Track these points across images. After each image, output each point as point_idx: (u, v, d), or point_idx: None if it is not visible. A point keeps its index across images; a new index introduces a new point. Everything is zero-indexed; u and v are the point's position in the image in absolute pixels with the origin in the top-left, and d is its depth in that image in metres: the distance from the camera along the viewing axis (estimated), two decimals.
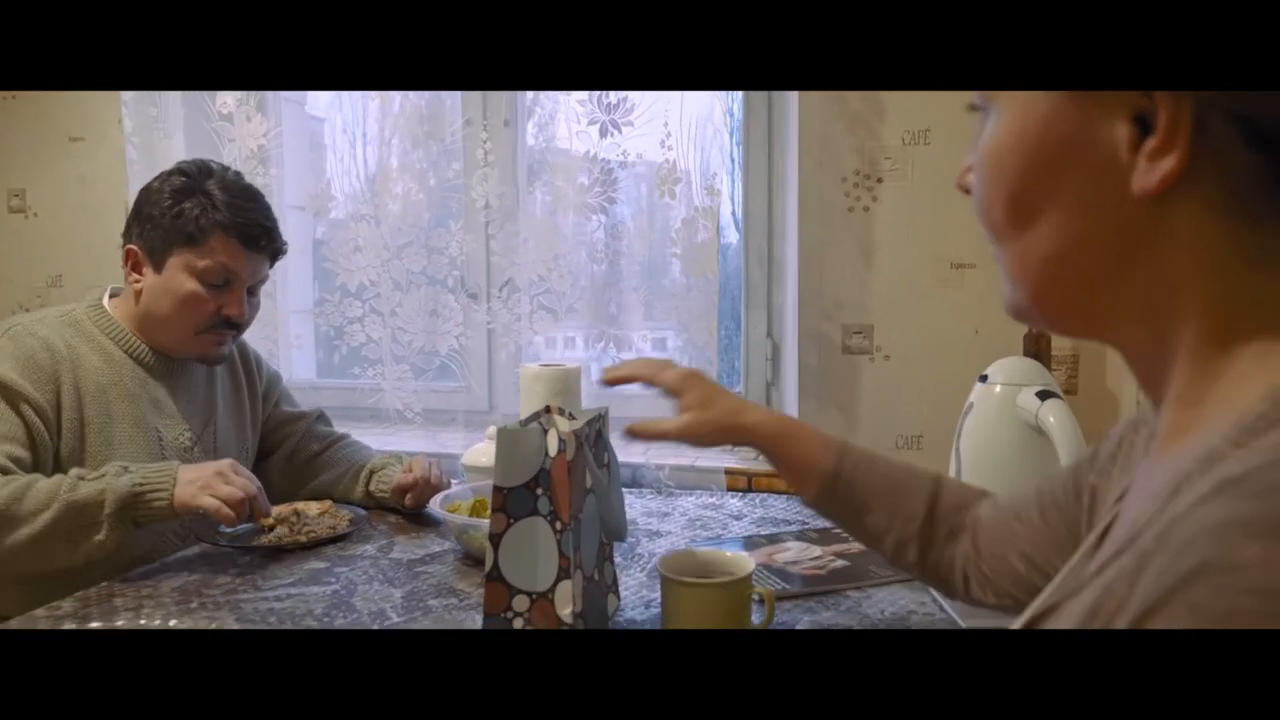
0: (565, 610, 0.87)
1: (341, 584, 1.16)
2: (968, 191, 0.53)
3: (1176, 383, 0.45)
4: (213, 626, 1.02)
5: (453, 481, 1.59)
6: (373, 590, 1.14)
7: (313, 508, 1.44)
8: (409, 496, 1.45)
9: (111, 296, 1.41)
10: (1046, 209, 0.47)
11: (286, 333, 2.00)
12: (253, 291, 1.41)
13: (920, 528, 0.84)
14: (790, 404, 1.77)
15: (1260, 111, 0.40)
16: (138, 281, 1.36)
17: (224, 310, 1.36)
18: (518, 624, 0.88)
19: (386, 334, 1.85)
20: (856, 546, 1.27)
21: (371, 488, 1.51)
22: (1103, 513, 0.59)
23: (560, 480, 0.87)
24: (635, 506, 1.53)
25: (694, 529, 1.40)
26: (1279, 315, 0.42)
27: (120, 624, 1.03)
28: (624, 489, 1.68)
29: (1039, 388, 1.11)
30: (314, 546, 1.31)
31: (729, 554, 1.00)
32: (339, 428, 2.08)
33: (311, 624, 1.03)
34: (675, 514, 1.50)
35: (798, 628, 1.00)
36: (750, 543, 1.31)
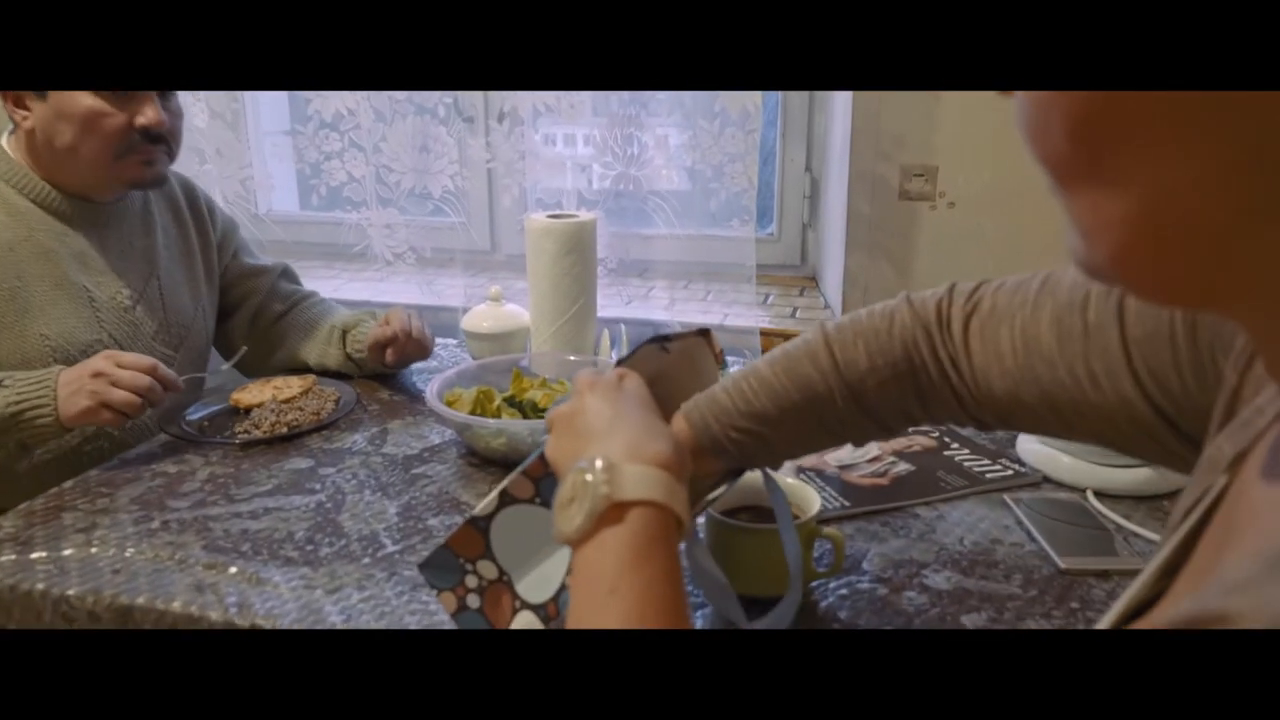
0: (515, 621, 0.69)
1: (328, 492, 1.01)
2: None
3: None
4: (174, 560, 0.87)
5: (447, 346, 1.41)
6: (363, 503, 0.98)
7: (294, 385, 1.26)
8: (389, 353, 1.26)
9: (11, 134, 1.17)
10: (1140, 136, 0.28)
11: (258, 171, 1.76)
12: (167, 95, 1.17)
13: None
14: (833, 254, 1.56)
15: None
16: (25, 117, 1.12)
17: (138, 121, 1.12)
18: (471, 581, 0.72)
19: (370, 172, 1.61)
20: (920, 442, 1.11)
21: (348, 349, 1.33)
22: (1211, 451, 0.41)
23: None
24: None
25: None
26: None
27: (67, 552, 0.88)
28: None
29: None
30: (296, 437, 1.15)
31: (790, 482, 0.83)
32: (322, 270, 1.89)
33: (291, 553, 0.88)
34: None
35: (866, 566, 0.84)
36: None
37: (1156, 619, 0.37)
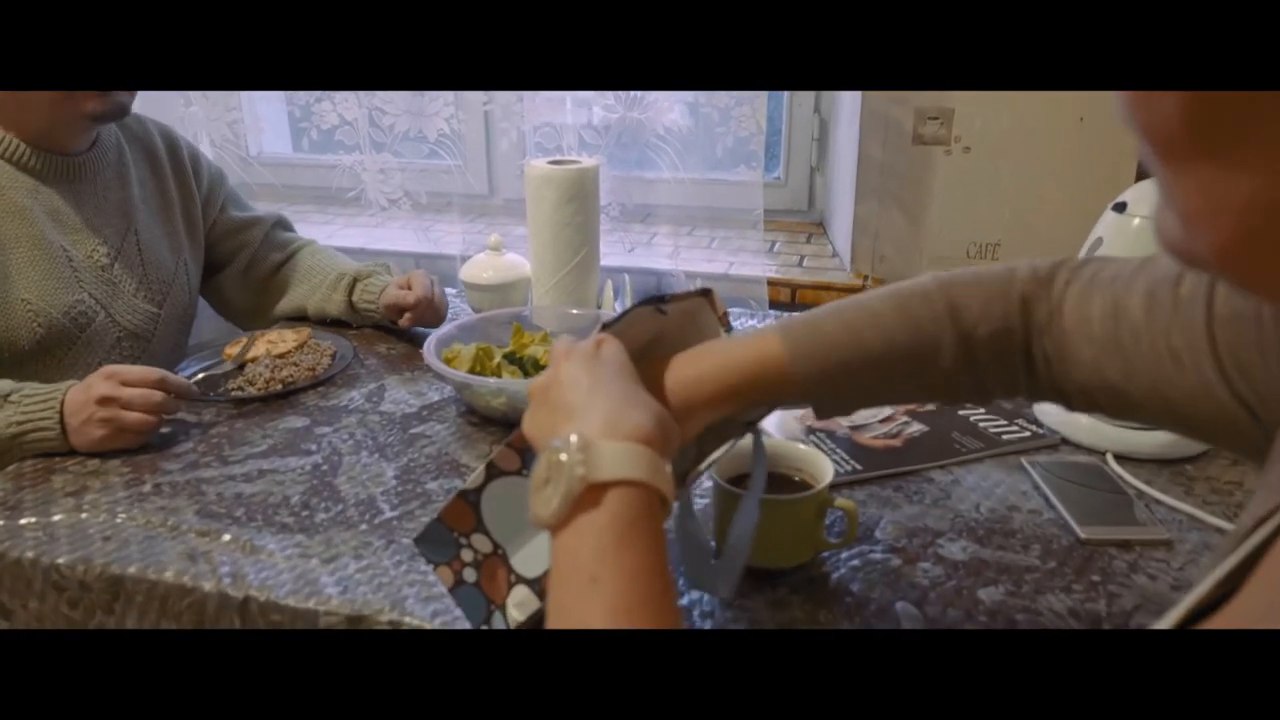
0: (515, 612, 0.67)
1: (324, 453, 0.98)
2: None
3: None
4: (166, 526, 0.84)
5: (447, 296, 1.37)
6: (360, 465, 0.95)
7: (288, 338, 1.23)
8: (407, 318, 1.23)
9: None
10: (1273, 122, 0.25)
11: (246, 113, 1.69)
12: None
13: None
14: (843, 201, 1.51)
15: None
16: None
17: None
18: (466, 555, 0.69)
19: (362, 115, 1.55)
20: None
21: (355, 298, 1.29)
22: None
23: None
24: None
25: None
26: None
27: (57, 518, 0.86)
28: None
29: None
30: (291, 394, 1.11)
31: (801, 448, 0.80)
32: (315, 215, 1.84)
33: (286, 518, 0.85)
34: None
35: (878, 535, 0.82)
36: None
37: (1228, 621, 0.34)
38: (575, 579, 0.46)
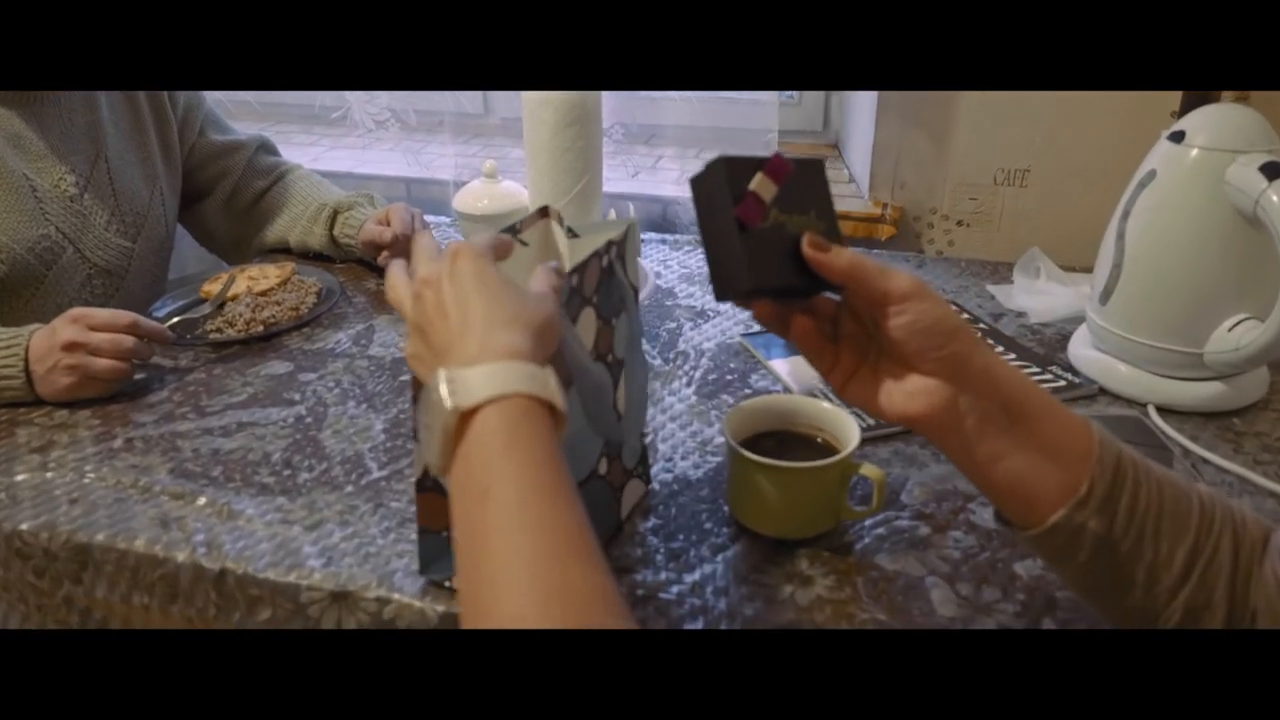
0: None
1: (308, 404, 0.91)
2: None
3: None
4: (137, 487, 0.78)
5: (440, 225, 1.29)
6: (347, 418, 0.89)
7: (270, 275, 1.15)
8: (385, 255, 1.16)
9: None
10: None
11: None
12: None
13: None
14: (861, 122, 1.42)
15: None
16: None
17: None
18: None
19: None
20: None
21: (336, 232, 1.21)
22: None
23: None
24: (671, 267, 1.24)
25: None
26: None
27: (20, 478, 0.80)
28: (656, 236, 1.39)
29: (1266, 158, 0.78)
30: (273, 336, 1.04)
31: (825, 406, 0.74)
32: (299, 137, 1.74)
33: (266, 479, 0.79)
34: None
35: (905, 499, 0.75)
36: None
37: None
38: (472, 501, 0.44)
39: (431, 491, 0.63)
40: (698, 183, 0.55)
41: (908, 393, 0.53)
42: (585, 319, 0.64)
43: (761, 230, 0.52)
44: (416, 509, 0.64)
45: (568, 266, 0.62)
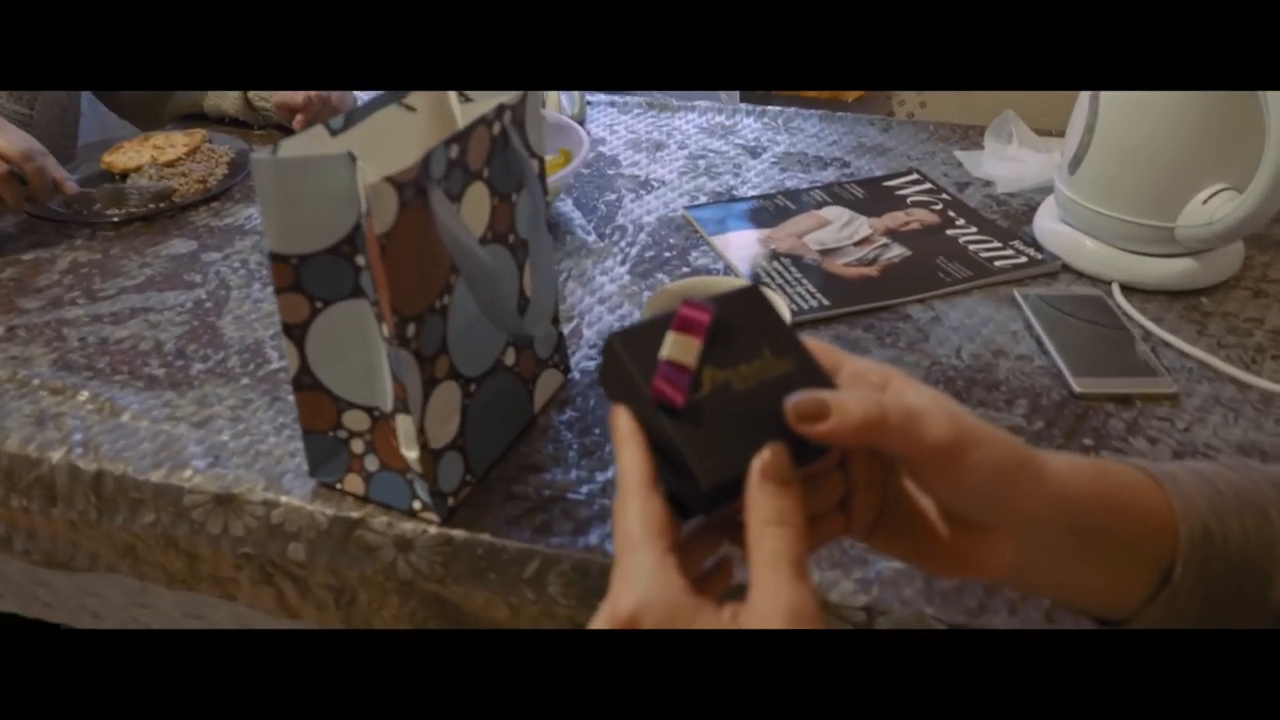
0: (411, 453, 0.56)
1: (209, 286, 0.84)
2: None
3: None
4: (15, 381, 0.72)
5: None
6: (250, 302, 0.82)
7: (178, 143, 1.06)
8: (299, 119, 1.07)
9: None
10: None
11: None
12: None
13: None
14: None
15: None
16: None
17: None
18: (357, 446, 0.59)
19: None
20: (920, 217, 0.93)
21: (252, 94, 1.12)
22: None
23: (400, 244, 0.51)
24: (619, 132, 1.15)
25: (694, 172, 1.04)
26: None
27: None
28: (605, 97, 1.28)
29: None
30: (180, 211, 0.96)
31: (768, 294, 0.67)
32: None
33: (156, 370, 0.73)
34: (671, 144, 1.12)
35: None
36: (765, 213, 0.96)
37: None
38: None
39: (310, 390, 0.57)
40: (606, 381, 0.39)
41: (961, 554, 0.38)
42: (474, 196, 0.56)
43: (696, 405, 0.36)
44: (298, 410, 0.58)
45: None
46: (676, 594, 0.32)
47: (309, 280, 0.53)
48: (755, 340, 0.38)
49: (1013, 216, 0.93)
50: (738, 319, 0.38)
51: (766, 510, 0.34)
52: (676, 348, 0.36)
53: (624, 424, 0.36)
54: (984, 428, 0.36)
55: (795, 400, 0.35)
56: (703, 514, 0.38)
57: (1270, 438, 0.65)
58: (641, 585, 0.33)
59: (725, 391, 0.36)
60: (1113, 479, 0.40)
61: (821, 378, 0.37)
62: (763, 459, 0.34)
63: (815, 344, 0.39)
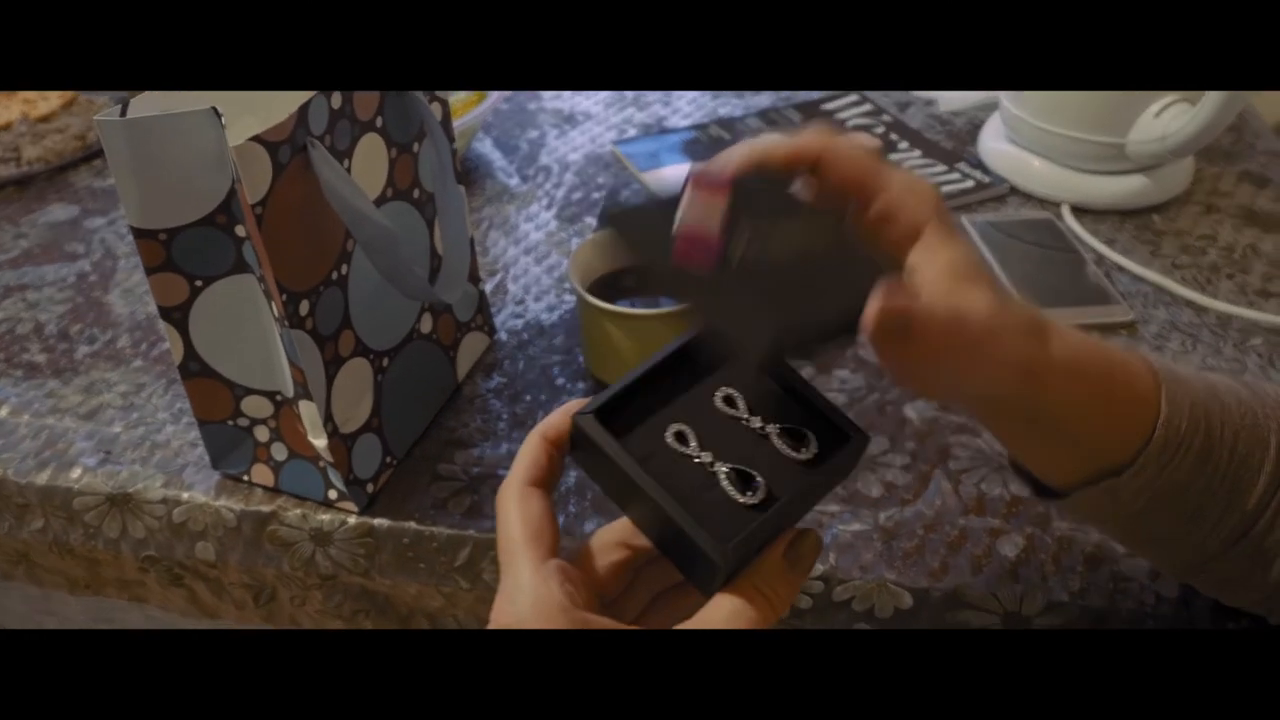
0: (320, 441, 0.51)
1: (94, 257, 0.77)
2: None
3: None
4: None
5: None
6: (140, 272, 0.75)
7: (51, 97, 0.96)
8: None
9: None
10: None
11: None
12: None
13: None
14: None
15: None
16: None
17: None
18: (261, 434, 0.54)
19: None
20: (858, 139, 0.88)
21: None
22: None
23: (280, 212, 0.45)
24: None
25: (622, 103, 0.98)
26: None
27: None
28: None
29: None
30: (58, 172, 0.87)
31: None
32: None
33: (37, 356, 0.66)
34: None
35: None
36: (700, 145, 0.90)
37: None
38: None
39: (200, 377, 0.51)
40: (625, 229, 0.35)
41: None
42: (367, 150, 0.50)
43: (741, 267, 0.32)
44: (190, 400, 0.52)
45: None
46: (553, 611, 0.31)
47: (182, 257, 0.47)
48: (785, 201, 0.35)
49: (957, 136, 0.89)
50: (759, 182, 0.35)
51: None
52: (698, 207, 0.33)
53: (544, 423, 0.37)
54: (1007, 313, 0.34)
55: (883, 289, 0.32)
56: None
57: (1228, 363, 0.63)
58: (516, 603, 0.32)
59: (760, 260, 0.33)
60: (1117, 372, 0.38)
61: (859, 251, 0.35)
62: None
63: (846, 150, 0.35)
